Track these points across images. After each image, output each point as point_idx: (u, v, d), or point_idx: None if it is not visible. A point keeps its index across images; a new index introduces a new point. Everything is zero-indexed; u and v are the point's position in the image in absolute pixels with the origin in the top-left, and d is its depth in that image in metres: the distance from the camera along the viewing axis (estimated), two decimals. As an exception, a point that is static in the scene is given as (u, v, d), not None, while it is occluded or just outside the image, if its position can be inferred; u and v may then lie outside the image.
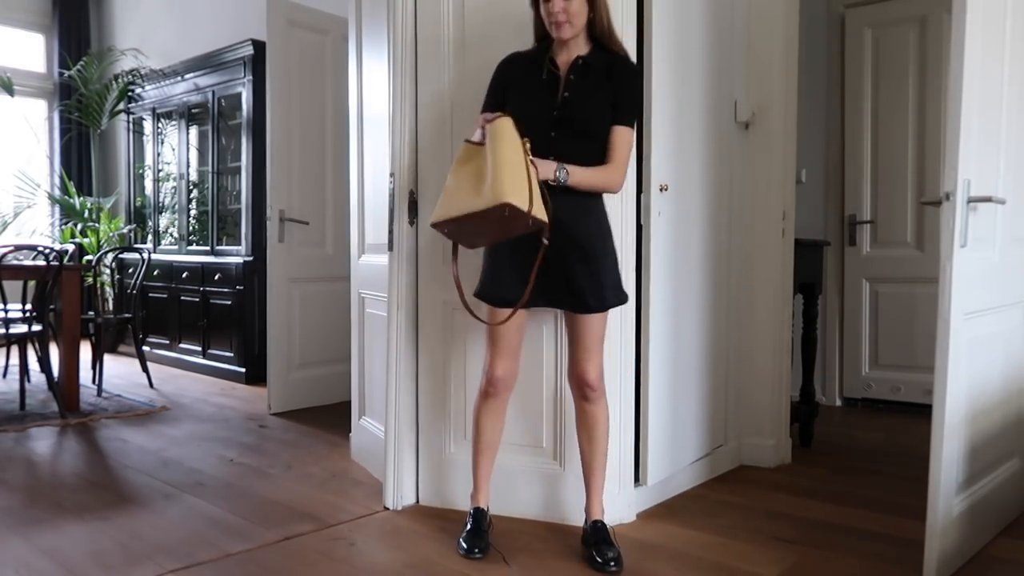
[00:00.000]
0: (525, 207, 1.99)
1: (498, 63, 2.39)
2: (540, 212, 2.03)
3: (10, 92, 6.43)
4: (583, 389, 2.35)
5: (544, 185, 2.11)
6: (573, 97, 2.25)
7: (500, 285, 2.30)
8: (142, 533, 2.53)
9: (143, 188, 6.48)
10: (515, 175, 2.01)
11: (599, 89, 2.25)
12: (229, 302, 5.34)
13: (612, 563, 2.24)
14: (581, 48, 2.29)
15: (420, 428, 2.79)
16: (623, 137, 2.27)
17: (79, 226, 6.43)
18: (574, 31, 2.23)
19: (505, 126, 2.08)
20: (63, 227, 6.74)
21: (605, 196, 2.37)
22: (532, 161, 2.08)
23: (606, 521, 2.43)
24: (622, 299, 2.36)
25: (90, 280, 5.81)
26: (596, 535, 2.33)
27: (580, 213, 2.26)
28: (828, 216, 4.54)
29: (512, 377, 2.39)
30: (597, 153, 2.27)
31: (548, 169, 2.16)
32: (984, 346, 2.30)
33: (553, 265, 2.23)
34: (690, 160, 2.92)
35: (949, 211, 2.07)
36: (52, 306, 4.35)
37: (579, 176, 2.21)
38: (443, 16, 2.67)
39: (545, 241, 2.11)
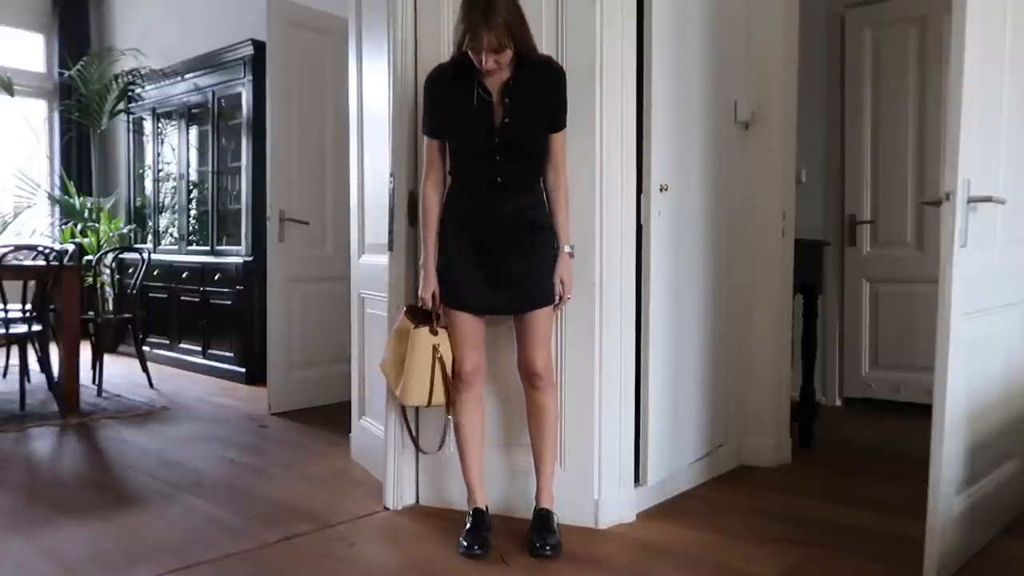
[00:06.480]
0: (424, 404, 2.48)
1: (425, 79, 2.41)
2: (440, 400, 2.46)
3: (10, 92, 6.42)
4: (532, 379, 2.41)
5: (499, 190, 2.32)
6: (513, 122, 2.28)
7: (459, 290, 2.37)
8: (142, 533, 2.53)
9: (143, 188, 6.48)
10: (420, 383, 2.42)
11: (535, 104, 2.30)
12: (229, 302, 5.33)
13: (549, 548, 2.31)
14: (507, 68, 2.28)
15: (420, 428, 2.79)
16: (561, 141, 2.38)
17: (79, 226, 6.43)
18: (502, 69, 2.25)
19: (420, 339, 2.41)
20: (63, 227, 6.74)
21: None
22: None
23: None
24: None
25: (90, 280, 5.80)
26: (540, 521, 2.40)
27: (525, 213, 2.34)
28: (828, 216, 4.53)
29: (482, 368, 2.46)
30: (539, 166, 2.38)
31: (567, 269, 2.39)
32: (984, 346, 2.30)
33: (503, 263, 2.32)
34: (690, 160, 2.92)
35: (949, 211, 2.07)
36: (52, 306, 4.35)
37: (565, 227, 2.39)
38: (443, 16, 2.67)
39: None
